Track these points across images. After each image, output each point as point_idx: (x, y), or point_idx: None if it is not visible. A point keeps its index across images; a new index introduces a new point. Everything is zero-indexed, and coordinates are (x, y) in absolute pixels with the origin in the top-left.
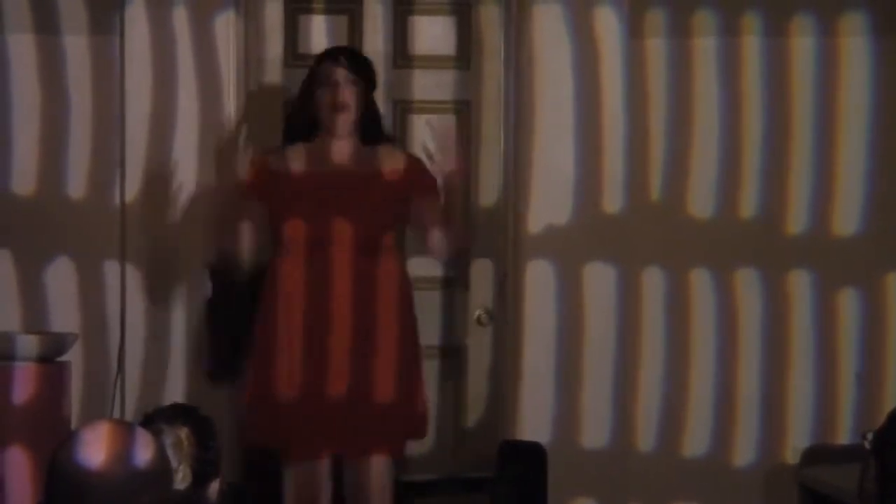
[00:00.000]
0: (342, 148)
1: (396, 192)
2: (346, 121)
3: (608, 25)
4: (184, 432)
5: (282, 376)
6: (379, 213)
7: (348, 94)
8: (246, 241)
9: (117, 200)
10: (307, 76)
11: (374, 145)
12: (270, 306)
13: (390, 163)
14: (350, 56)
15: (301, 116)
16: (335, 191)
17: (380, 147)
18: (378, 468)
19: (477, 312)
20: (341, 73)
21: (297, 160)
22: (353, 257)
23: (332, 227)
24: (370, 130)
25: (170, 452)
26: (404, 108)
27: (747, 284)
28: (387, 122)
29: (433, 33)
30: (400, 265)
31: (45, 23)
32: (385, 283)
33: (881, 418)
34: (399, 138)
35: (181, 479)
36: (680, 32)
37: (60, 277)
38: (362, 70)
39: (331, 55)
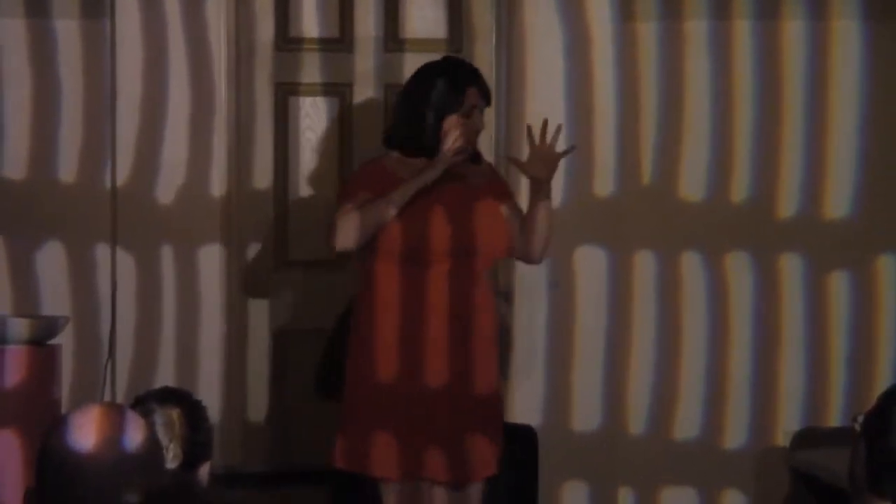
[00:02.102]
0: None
1: (494, 204)
2: (473, 148)
3: (599, 8)
4: (175, 412)
5: (379, 392)
6: (484, 228)
7: (481, 125)
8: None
9: (108, 184)
10: (429, 85)
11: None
12: (372, 316)
13: (482, 176)
14: (485, 84)
15: (421, 133)
16: (449, 205)
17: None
18: (476, 496)
19: None
20: (482, 105)
21: (409, 170)
22: (455, 274)
23: (440, 240)
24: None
25: (160, 431)
26: (396, 92)
27: (738, 268)
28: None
29: (424, 16)
30: (492, 292)
31: (36, 7)
32: (482, 306)
33: (872, 401)
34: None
35: (172, 457)
36: (671, 16)
37: (51, 261)
38: (489, 96)
39: (474, 80)
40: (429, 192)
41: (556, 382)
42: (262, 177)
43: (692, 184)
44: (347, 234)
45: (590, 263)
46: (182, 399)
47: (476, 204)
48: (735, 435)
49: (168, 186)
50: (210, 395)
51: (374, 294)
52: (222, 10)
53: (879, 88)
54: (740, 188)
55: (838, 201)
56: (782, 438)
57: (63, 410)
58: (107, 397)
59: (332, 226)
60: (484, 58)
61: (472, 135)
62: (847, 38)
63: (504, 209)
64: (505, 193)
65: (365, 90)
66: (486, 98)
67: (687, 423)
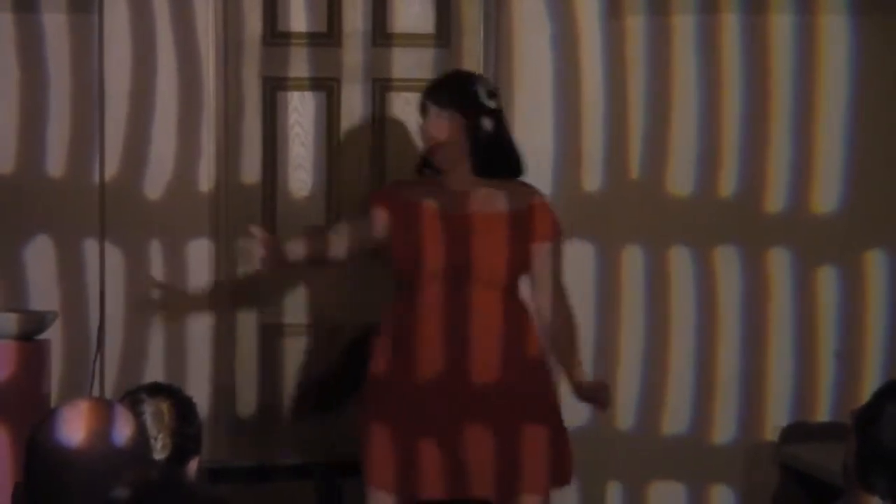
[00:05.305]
0: (457, 182)
1: (515, 232)
2: (441, 155)
3: (587, 2)
4: (165, 404)
5: (409, 420)
6: (499, 251)
7: (435, 128)
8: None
9: (96, 178)
10: None
11: (494, 177)
12: (391, 342)
13: (512, 201)
14: (438, 86)
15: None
16: (457, 229)
17: (506, 182)
18: None
19: None
20: (430, 106)
21: (421, 193)
22: (479, 294)
23: (456, 262)
24: (481, 162)
25: (149, 420)
26: (383, 86)
27: (727, 262)
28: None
29: (412, 11)
30: (516, 310)
31: (24, 1)
32: (514, 321)
33: (860, 396)
34: (380, 118)
35: (161, 448)
36: (659, 10)
37: (40, 256)
38: (453, 100)
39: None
40: (434, 213)
41: None
42: (251, 171)
43: (680, 178)
44: None
45: (577, 258)
46: (172, 393)
47: (475, 230)
48: (724, 430)
49: (156, 181)
50: (198, 389)
51: (390, 313)
52: (210, 4)
53: (867, 83)
54: (728, 183)
55: (826, 196)
56: (771, 433)
57: (52, 405)
58: (95, 392)
59: None
60: (472, 52)
61: (425, 139)
62: (835, 32)
63: (536, 247)
64: (540, 231)
65: (353, 85)
66: (428, 99)
67: (676, 418)
